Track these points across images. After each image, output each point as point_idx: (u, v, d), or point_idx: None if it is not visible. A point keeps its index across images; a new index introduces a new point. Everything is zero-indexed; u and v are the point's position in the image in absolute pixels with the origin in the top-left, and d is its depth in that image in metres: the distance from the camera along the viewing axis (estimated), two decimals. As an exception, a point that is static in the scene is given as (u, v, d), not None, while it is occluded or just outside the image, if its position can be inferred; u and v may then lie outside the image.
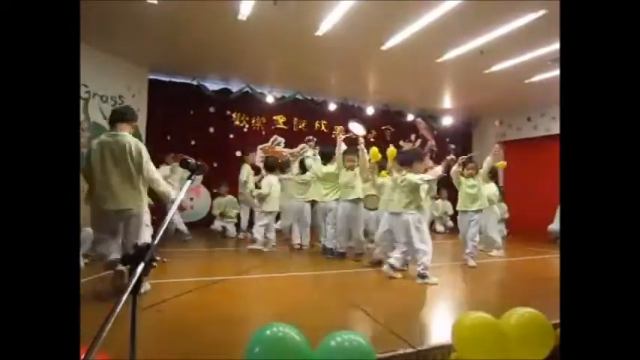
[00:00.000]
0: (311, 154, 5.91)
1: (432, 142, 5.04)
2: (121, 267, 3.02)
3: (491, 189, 5.64)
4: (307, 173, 5.77)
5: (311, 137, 6.82)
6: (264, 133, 8.68)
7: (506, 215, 8.18)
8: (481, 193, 4.84)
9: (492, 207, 5.62)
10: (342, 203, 4.97)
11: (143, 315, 1.21)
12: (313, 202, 5.73)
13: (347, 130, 5.00)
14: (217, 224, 6.90)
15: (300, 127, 9.00)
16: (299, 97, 8.52)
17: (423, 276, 3.81)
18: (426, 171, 4.20)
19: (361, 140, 4.66)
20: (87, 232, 4.18)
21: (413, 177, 3.97)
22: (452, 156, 4.40)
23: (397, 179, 4.11)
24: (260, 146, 8.45)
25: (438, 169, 4.25)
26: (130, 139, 3.12)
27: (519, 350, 1.84)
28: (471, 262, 4.67)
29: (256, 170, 6.65)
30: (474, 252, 4.74)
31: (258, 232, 5.33)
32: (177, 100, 7.75)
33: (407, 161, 4.11)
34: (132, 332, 1.18)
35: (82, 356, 0.97)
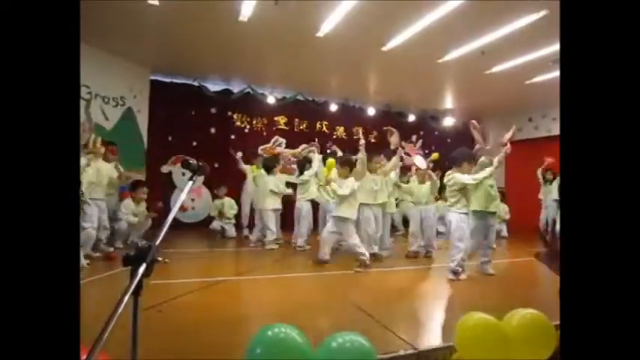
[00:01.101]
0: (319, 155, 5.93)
1: (480, 145, 4.67)
2: None
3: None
4: (306, 173, 5.76)
5: (332, 143, 6.91)
6: (265, 134, 8.66)
7: (507, 216, 8.15)
8: (496, 193, 4.52)
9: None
10: (373, 208, 4.88)
11: (144, 315, 1.21)
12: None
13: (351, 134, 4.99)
14: (216, 224, 6.96)
15: (301, 127, 9.00)
16: (300, 97, 8.52)
17: (455, 272, 3.91)
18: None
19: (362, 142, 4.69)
20: (87, 232, 4.20)
21: (461, 177, 3.99)
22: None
23: (446, 179, 4.15)
24: (261, 147, 8.45)
25: (491, 166, 4.07)
26: None
27: (521, 351, 1.84)
28: (490, 270, 4.37)
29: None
30: (490, 258, 4.43)
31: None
32: (178, 101, 7.76)
33: (456, 161, 4.12)
34: (133, 333, 1.18)
35: (84, 357, 0.97)
